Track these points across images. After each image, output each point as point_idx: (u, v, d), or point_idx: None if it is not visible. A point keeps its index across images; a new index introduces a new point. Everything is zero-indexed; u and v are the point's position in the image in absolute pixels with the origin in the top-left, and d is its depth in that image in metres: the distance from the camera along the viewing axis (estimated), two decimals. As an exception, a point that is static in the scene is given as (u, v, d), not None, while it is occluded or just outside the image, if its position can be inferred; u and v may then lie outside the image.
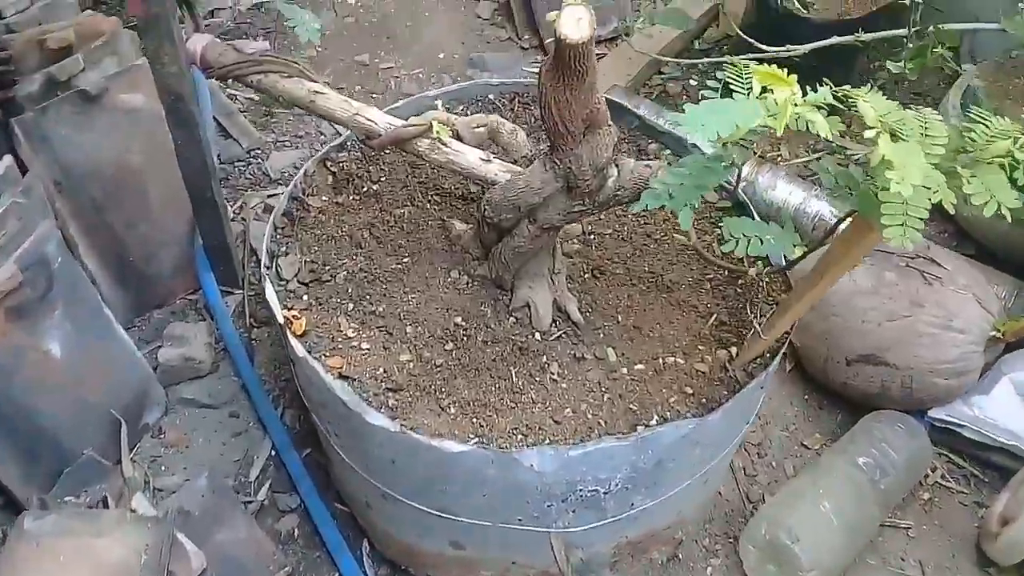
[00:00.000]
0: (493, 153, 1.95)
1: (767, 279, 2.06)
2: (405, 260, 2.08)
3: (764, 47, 2.10)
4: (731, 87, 1.53)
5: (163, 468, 2.38)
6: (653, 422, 1.82)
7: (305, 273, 2.03)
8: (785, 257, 1.86)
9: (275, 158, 3.04)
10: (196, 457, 2.40)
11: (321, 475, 2.35)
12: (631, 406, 1.85)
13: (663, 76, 3.37)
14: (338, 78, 3.32)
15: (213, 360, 2.53)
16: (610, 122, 1.77)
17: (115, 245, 2.51)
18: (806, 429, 2.45)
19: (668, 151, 2.33)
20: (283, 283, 2.01)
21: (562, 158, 1.76)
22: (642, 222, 2.20)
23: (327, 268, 2.05)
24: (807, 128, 1.35)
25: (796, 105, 1.25)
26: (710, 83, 1.61)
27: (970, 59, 3.08)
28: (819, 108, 1.32)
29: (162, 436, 2.42)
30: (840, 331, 2.35)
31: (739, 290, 2.06)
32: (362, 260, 2.07)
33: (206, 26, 3.29)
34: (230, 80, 2.06)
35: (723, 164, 1.42)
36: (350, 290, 2.01)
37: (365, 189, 2.21)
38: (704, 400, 1.86)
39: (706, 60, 2.65)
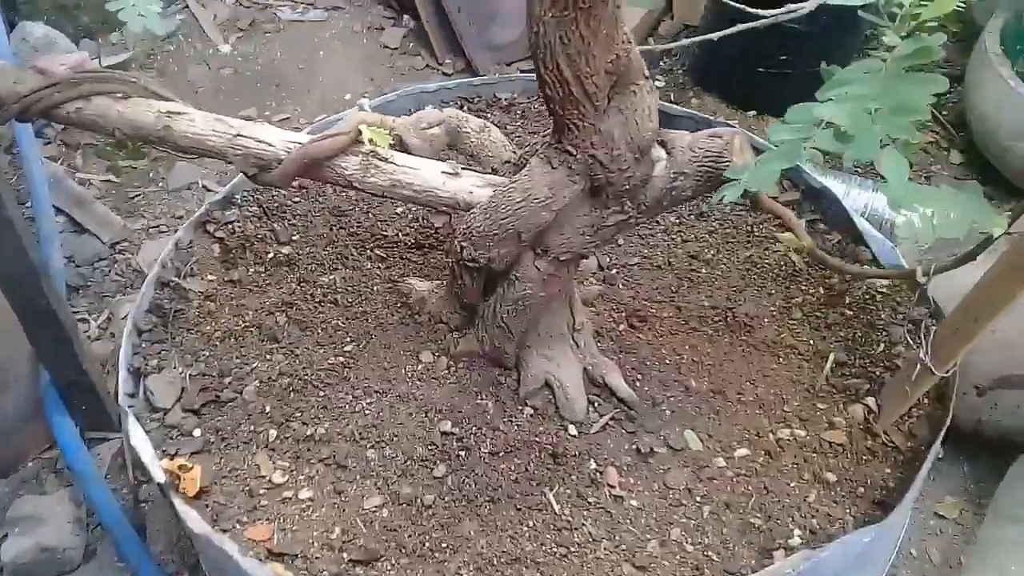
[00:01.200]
0: (459, 163, 1.26)
1: (884, 291, 1.41)
2: (348, 348, 1.36)
3: (756, 11, 1.45)
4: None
5: None
6: (795, 540, 1.12)
7: (194, 393, 1.29)
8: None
9: (148, 249, 2.29)
10: None
11: None
12: (751, 519, 1.15)
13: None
14: (221, 141, 2.61)
15: (85, 544, 1.73)
16: (647, 73, 1.11)
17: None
18: (932, 493, 1.78)
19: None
20: (159, 415, 1.27)
21: (579, 142, 1.09)
22: (680, 239, 1.54)
23: (228, 381, 1.32)
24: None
25: None
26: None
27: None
28: None
29: (19, 674, 1.60)
30: (962, 349, 1.71)
31: (848, 312, 1.40)
32: (280, 359, 1.34)
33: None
34: (36, 120, 1.34)
35: (933, 59, 0.75)
36: (268, 408, 1.28)
37: (271, 255, 1.49)
38: (861, 488, 1.18)
39: (675, 43, 2.02)
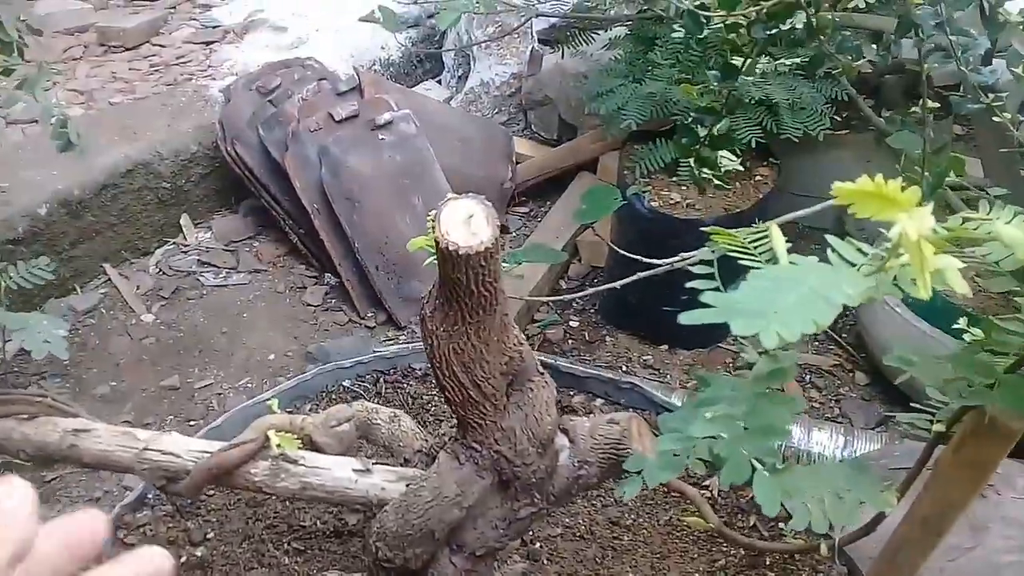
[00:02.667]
0: (370, 458, 1.27)
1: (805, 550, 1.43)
2: (264, 660, 1.30)
3: (651, 260, 1.58)
4: (742, 262, 0.98)
5: None
6: None
7: None
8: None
9: (62, 538, 2.20)
10: None
11: None
12: None
13: (538, 324, 2.87)
14: (142, 413, 2.59)
15: None
16: (541, 369, 1.17)
17: None
18: None
19: (600, 400, 1.73)
20: None
21: (483, 439, 1.12)
22: (600, 505, 1.54)
23: None
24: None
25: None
26: (698, 269, 1.06)
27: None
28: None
29: None
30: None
31: (771, 573, 1.41)
32: None
33: (-46, 386, 2.52)
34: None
35: (782, 382, 0.82)
36: None
37: (184, 559, 1.45)
38: None
39: (582, 293, 2.14)
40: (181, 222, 3.22)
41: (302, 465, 1.23)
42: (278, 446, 1.21)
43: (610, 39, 2.86)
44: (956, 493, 1.00)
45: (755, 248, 0.95)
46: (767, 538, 1.40)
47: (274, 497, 1.56)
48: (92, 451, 1.25)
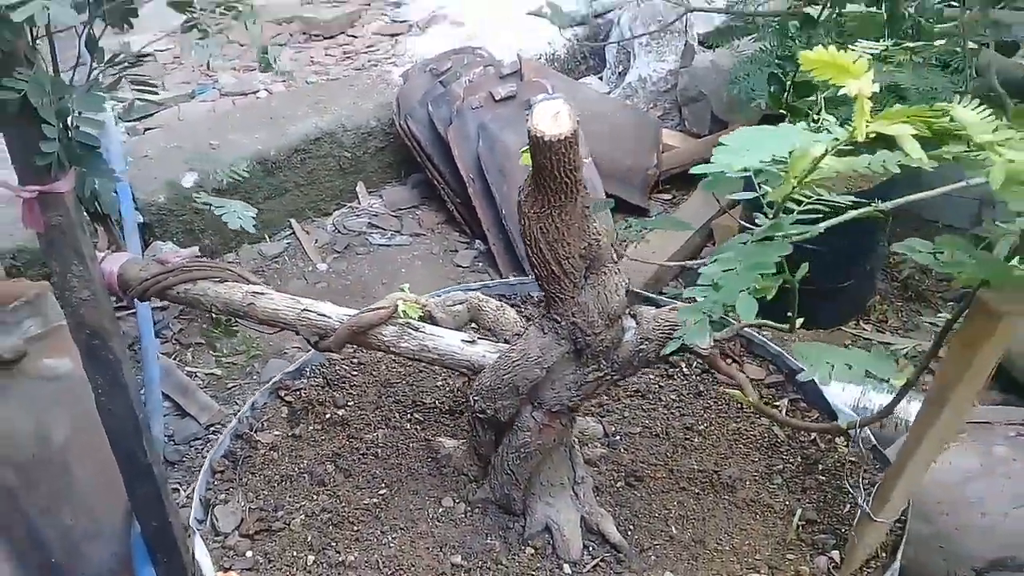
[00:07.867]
0: (477, 335, 1.55)
1: (854, 459, 1.58)
2: (382, 492, 1.59)
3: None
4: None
5: None
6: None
7: (251, 523, 1.54)
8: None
9: (238, 430, 2.62)
10: None
11: None
12: (714, 647, 1.29)
13: (665, 295, 3.07)
14: (310, 343, 3.00)
15: None
16: (615, 259, 1.40)
17: (29, 541, 1.99)
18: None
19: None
20: (220, 538, 1.51)
21: (563, 311, 1.36)
22: (678, 413, 1.75)
23: (279, 514, 1.56)
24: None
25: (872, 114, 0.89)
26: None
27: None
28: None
29: None
30: (955, 532, 1.80)
31: (821, 478, 1.56)
32: (325, 499, 1.58)
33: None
34: (154, 299, 1.71)
35: (781, 234, 1.02)
36: (310, 538, 1.51)
37: (328, 416, 1.78)
38: (817, 626, 1.30)
39: (701, 262, 2.33)
40: (357, 189, 3.65)
41: (422, 332, 1.51)
42: (404, 312, 1.50)
43: (758, 33, 3.01)
44: (954, 370, 1.15)
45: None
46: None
47: (404, 382, 1.87)
48: (266, 309, 1.59)
